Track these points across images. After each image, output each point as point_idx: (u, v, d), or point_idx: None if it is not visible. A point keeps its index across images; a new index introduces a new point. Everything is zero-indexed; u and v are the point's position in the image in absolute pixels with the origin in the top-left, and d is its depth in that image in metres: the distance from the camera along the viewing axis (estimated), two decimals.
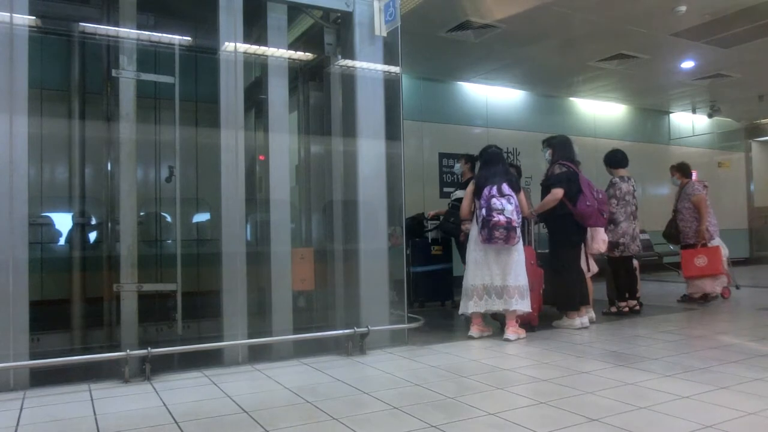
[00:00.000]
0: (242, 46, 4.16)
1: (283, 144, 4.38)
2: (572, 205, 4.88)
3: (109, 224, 4.80)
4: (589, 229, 5.12)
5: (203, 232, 5.76)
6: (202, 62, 5.02)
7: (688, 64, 8.42)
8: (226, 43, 4.09)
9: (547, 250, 5.26)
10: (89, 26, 4.65)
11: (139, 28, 4.10)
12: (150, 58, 4.45)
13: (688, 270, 6.23)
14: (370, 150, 4.47)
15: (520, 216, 4.54)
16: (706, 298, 6.34)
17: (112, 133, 4.48)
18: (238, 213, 4.03)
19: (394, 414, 2.73)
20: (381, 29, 4.50)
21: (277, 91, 4.35)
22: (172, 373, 3.62)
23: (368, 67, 4.50)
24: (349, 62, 4.54)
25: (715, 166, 12.54)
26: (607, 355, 3.94)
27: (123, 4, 4.06)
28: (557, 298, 5.14)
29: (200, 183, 5.60)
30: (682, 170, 6.55)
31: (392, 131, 4.56)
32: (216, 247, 4.14)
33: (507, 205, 4.42)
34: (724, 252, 6.73)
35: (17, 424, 2.69)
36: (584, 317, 5.03)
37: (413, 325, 4.51)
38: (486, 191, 4.51)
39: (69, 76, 4.88)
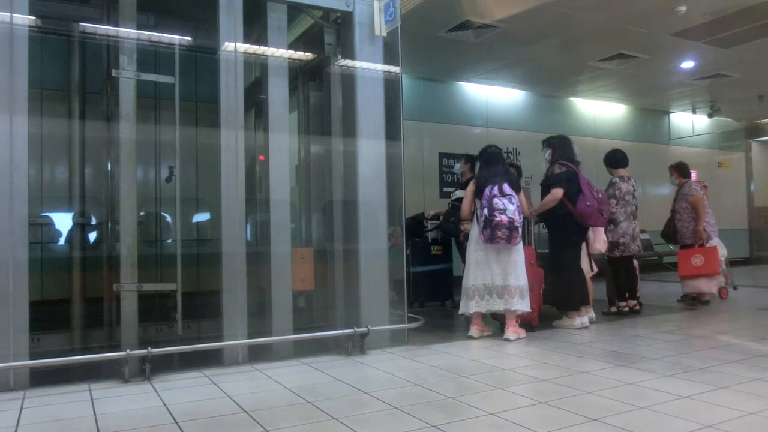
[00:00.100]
0: (242, 46, 4.16)
1: (283, 144, 4.38)
2: (572, 205, 4.88)
3: (109, 224, 4.80)
4: (591, 229, 5.12)
5: (203, 232, 5.76)
6: (202, 62, 5.02)
7: (688, 64, 8.43)
8: (226, 43, 4.09)
9: (547, 250, 5.26)
10: (89, 26, 4.65)
11: (139, 28, 4.10)
12: (150, 58, 4.45)
13: (684, 269, 6.19)
14: (370, 150, 4.46)
15: (522, 216, 4.54)
16: (702, 298, 6.31)
17: (112, 133, 4.48)
18: (238, 213, 4.03)
19: (394, 414, 2.73)
20: (381, 29, 4.50)
21: (277, 91, 4.35)
22: (172, 373, 3.62)
23: (368, 67, 4.50)
24: (349, 62, 4.54)
25: (715, 166, 12.55)
26: (607, 355, 3.94)
27: (123, 4, 4.06)
28: (557, 298, 5.14)
29: (200, 183, 5.61)
30: (680, 170, 6.52)
31: (392, 131, 4.56)
32: (216, 247, 4.14)
33: (509, 205, 4.42)
34: (722, 252, 6.72)
35: (17, 424, 2.69)
36: (584, 317, 5.03)
37: (413, 325, 4.51)
38: (487, 191, 4.51)
39: (69, 76, 4.88)
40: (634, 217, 5.84)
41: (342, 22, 4.66)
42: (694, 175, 6.99)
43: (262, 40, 4.41)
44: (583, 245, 5.25)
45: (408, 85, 8.39)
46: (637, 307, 5.86)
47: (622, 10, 6.29)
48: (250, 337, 3.98)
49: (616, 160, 5.98)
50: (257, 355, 3.99)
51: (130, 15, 4.05)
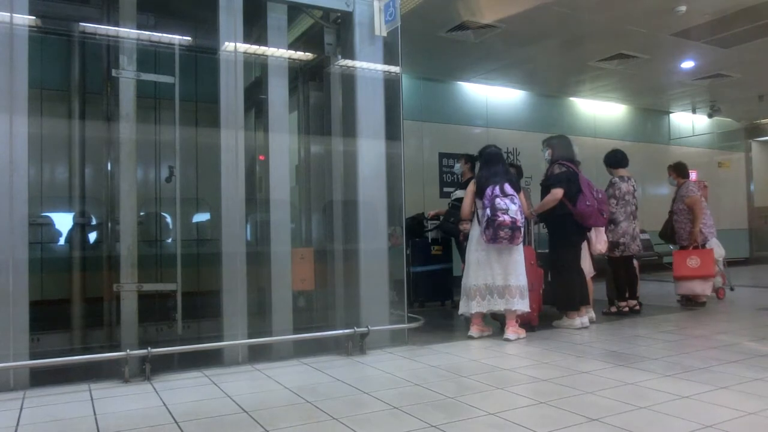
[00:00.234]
0: (242, 46, 4.16)
1: (283, 144, 4.38)
2: (572, 205, 4.88)
3: (109, 224, 4.80)
4: (593, 229, 5.12)
5: (203, 232, 5.76)
6: (202, 62, 5.02)
7: (688, 64, 8.43)
8: (226, 43, 4.09)
9: (547, 250, 5.26)
10: (89, 26, 4.65)
11: (139, 28, 4.10)
12: (150, 58, 4.45)
13: (679, 270, 6.12)
14: (370, 150, 4.46)
15: (523, 216, 4.54)
16: (697, 300, 6.24)
17: (112, 133, 4.48)
18: (238, 213, 4.03)
19: (394, 414, 2.73)
20: (381, 29, 4.50)
21: (277, 91, 4.35)
22: (172, 373, 3.62)
23: (368, 67, 4.50)
24: (349, 62, 4.54)
25: (715, 166, 12.55)
26: (607, 355, 3.94)
27: (123, 4, 4.06)
28: (557, 298, 5.14)
29: (200, 183, 5.61)
30: (678, 170, 6.45)
31: (392, 131, 4.56)
32: (216, 247, 4.14)
33: (511, 205, 4.42)
34: (720, 252, 6.71)
35: (17, 424, 2.69)
36: (584, 317, 5.03)
37: (413, 325, 4.51)
38: (489, 191, 4.51)
39: (69, 76, 4.88)
40: (634, 217, 5.84)
41: (342, 22, 4.66)
42: (693, 176, 6.97)
43: (262, 40, 4.41)
44: (585, 245, 5.25)
45: (408, 85, 8.39)
46: (637, 307, 5.86)
47: (622, 10, 6.29)
48: (250, 337, 3.98)
49: (616, 160, 5.98)
50: (257, 355, 3.99)
51: (130, 15, 4.05)
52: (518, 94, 9.73)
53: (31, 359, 3.37)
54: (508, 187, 4.54)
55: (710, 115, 11.51)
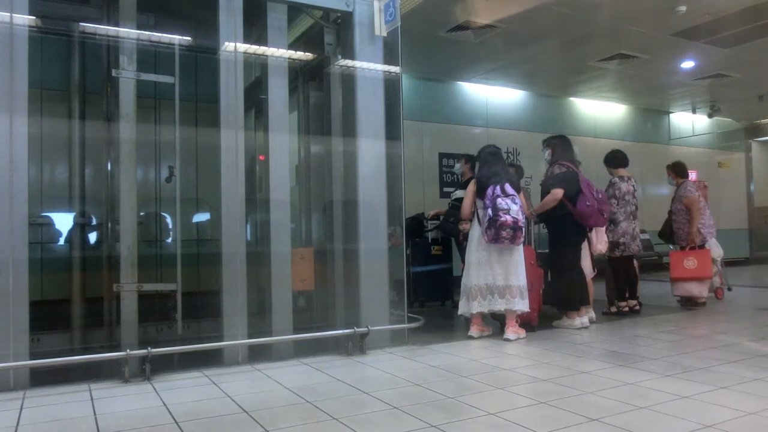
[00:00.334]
0: (242, 46, 4.16)
1: (283, 144, 4.38)
2: (572, 205, 4.88)
3: (109, 224, 4.80)
4: (594, 229, 5.12)
5: (203, 232, 5.76)
6: (202, 62, 5.02)
7: (688, 64, 8.42)
8: (226, 43, 4.09)
9: (547, 250, 5.26)
10: (89, 26, 4.65)
11: (139, 28, 4.10)
12: (150, 58, 4.45)
13: (676, 271, 6.09)
14: (370, 150, 4.46)
15: (524, 216, 4.54)
16: (695, 301, 6.20)
17: (112, 133, 4.48)
18: (238, 213, 4.03)
19: (394, 414, 2.73)
20: (381, 29, 4.50)
21: (277, 91, 4.35)
22: (172, 373, 3.62)
23: (368, 67, 4.50)
24: (349, 62, 4.54)
25: (715, 166, 12.55)
26: (607, 355, 3.94)
27: (123, 4, 4.06)
28: (557, 298, 5.14)
29: (200, 183, 5.61)
30: (677, 170, 6.42)
31: (392, 131, 4.56)
32: (216, 247, 4.14)
33: (512, 205, 4.42)
34: (718, 253, 6.70)
35: (17, 424, 2.69)
36: (584, 317, 5.03)
37: (413, 325, 4.51)
38: (490, 191, 4.50)
39: (69, 76, 4.88)
40: (634, 217, 5.84)
41: (342, 22, 4.66)
42: (693, 176, 6.96)
43: (262, 40, 4.41)
44: (585, 245, 5.25)
45: (408, 85, 8.39)
46: (637, 307, 5.86)
47: (622, 10, 6.29)
48: (250, 337, 3.98)
49: (616, 160, 5.98)
50: (257, 355, 3.99)
51: (130, 15, 4.05)
52: (518, 94, 9.73)
53: (31, 359, 3.37)
54: (508, 187, 4.54)
55: (710, 115, 11.51)
